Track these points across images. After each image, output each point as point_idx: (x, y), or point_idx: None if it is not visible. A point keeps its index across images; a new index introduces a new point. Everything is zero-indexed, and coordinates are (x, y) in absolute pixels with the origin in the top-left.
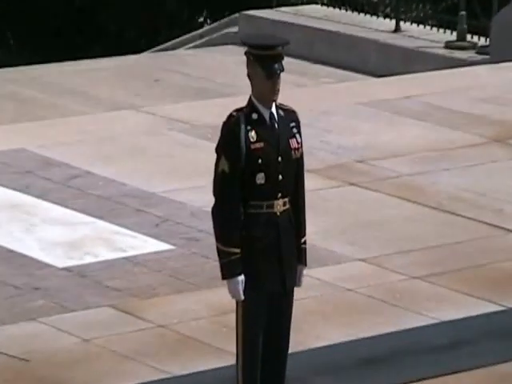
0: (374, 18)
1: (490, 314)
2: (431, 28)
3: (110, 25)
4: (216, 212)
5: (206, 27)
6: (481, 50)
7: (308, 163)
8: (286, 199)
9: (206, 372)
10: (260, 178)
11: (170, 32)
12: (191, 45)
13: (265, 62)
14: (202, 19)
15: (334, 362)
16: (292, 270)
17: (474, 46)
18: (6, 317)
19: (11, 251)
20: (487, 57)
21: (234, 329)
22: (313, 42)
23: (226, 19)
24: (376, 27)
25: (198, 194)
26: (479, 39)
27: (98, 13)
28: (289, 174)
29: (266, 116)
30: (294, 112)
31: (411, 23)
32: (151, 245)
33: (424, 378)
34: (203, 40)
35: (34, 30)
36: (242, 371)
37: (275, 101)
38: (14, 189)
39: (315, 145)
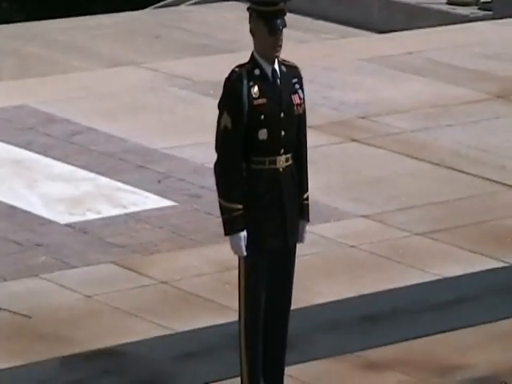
0: None
1: (492, 270)
2: None
3: None
4: (218, 168)
5: None
6: (483, 6)
7: (310, 119)
8: (289, 155)
9: (209, 328)
10: (262, 134)
11: None
12: (193, 1)
13: (267, 18)
14: None
15: (337, 318)
16: (295, 226)
17: (476, 2)
18: (8, 273)
19: (13, 207)
20: (490, 13)
21: (236, 285)
22: None
23: None
24: None
25: (200, 151)
26: None
27: None
28: (291, 130)
29: (269, 72)
30: (296, 68)
31: None
32: (153, 201)
33: (426, 335)
34: None
35: None
36: (244, 327)
37: (278, 57)
38: (16, 145)
39: (317, 101)
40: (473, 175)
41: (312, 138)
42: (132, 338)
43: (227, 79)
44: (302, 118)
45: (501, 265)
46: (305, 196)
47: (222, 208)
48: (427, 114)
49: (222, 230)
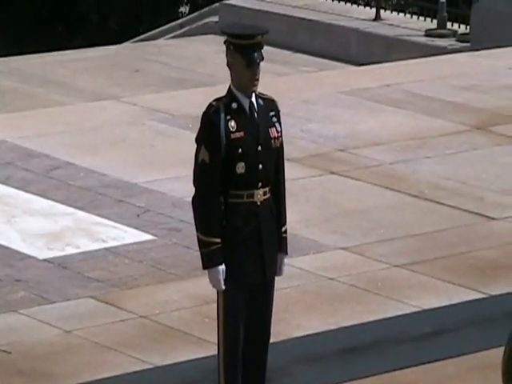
0: (355, 6)
1: (472, 301)
2: (411, 16)
3: (91, 14)
4: (196, 202)
5: (186, 17)
6: (461, 38)
7: (289, 152)
8: (267, 188)
9: (188, 362)
10: (240, 168)
11: (152, 21)
12: (171, 35)
13: (244, 51)
14: (183, 9)
15: (316, 351)
16: (273, 260)
17: (454, 34)
18: None
19: None
20: (468, 44)
21: (215, 319)
22: (293, 31)
23: (206, 9)
24: (356, 16)
25: (179, 184)
26: (459, 27)
27: (79, 1)
28: (269, 164)
29: (246, 105)
30: (273, 101)
31: (391, 11)
32: (132, 235)
33: (406, 367)
34: (183, 30)
35: (14, 19)
36: (223, 361)
37: (255, 90)
38: None
39: (296, 134)
40: (451, 207)
41: (291, 171)
42: (111, 373)
43: (204, 113)
44: (280, 151)
45: (480, 296)
46: (283, 229)
47: (200, 242)
48: (406, 146)
49: (200, 264)
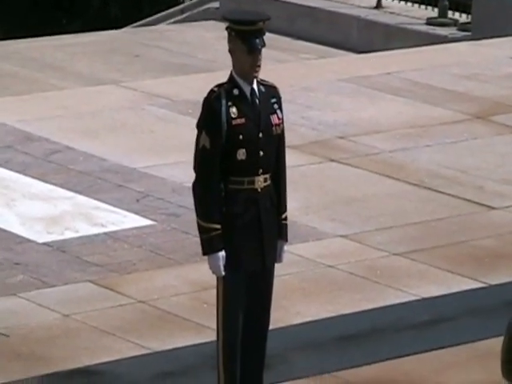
0: None
1: (470, 290)
2: (412, 4)
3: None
4: (196, 188)
5: (187, 2)
6: (462, 27)
7: (289, 139)
8: (267, 175)
9: (186, 348)
10: (241, 154)
11: (153, 7)
12: (172, 20)
13: (246, 37)
14: None
15: (315, 338)
16: (272, 246)
17: (455, 23)
18: None
19: None
20: (468, 33)
21: (214, 305)
22: (294, 18)
23: None
24: (357, 3)
25: (179, 170)
26: (460, 16)
27: None
28: (270, 150)
29: (247, 92)
30: (275, 88)
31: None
32: (131, 220)
33: (405, 355)
34: (184, 15)
35: (14, 4)
36: (222, 347)
37: (256, 76)
38: None
39: (296, 121)
40: (451, 196)
41: (291, 158)
42: (109, 358)
43: (206, 99)
44: (281, 138)
45: (479, 285)
46: (283, 216)
47: (200, 228)
48: (405, 135)
49: (200, 250)
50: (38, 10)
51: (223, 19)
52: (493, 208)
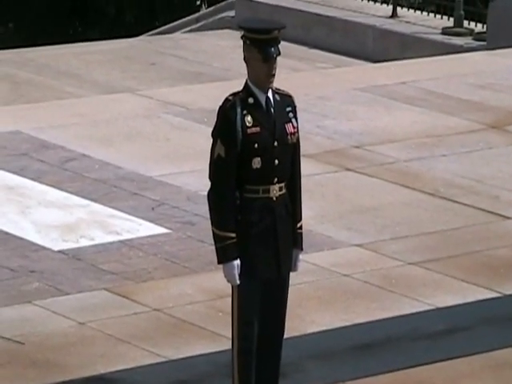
0: (371, 3)
1: (485, 300)
2: (428, 14)
3: (108, 7)
4: (212, 196)
5: (203, 11)
6: (477, 37)
7: (304, 148)
8: (283, 184)
9: (202, 356)
10: (256, 163)
11: (169, 15)
12: (187, 29)
13: (261, 46)
14: (199, 2)
15: (330, 347)
16: (287, 255)
17: (470, 33)
18: (1, 299)
19: (6, 233)
20: (484, 43)
21: (229, 313)
22: (310, 27)
23: (222, 3)
24: (373, 12)
25: (194, 178)
26: (476, 25)
27: None
28: (285, 159)
29: (262, 100)
30: (290, 96)
31: (408, 9)
32: (147, 228)
33: (419, 365)
34: (199, 24)
35: (30, 12)
36: (237, 356)
37: (271, 85)
38: (10, 171)
39: (311, 130)
40: (466, 205)
41: (306, 167)
42: (124, 366)
43: (221, 107)
44: (296, 146)
45: (494, 295)
46: (298, 225)
47: (215, 236)
48: (421, 144)
49: (215, 258)
50: (54, 18)
51: (238, 28)
52: (508, 218)
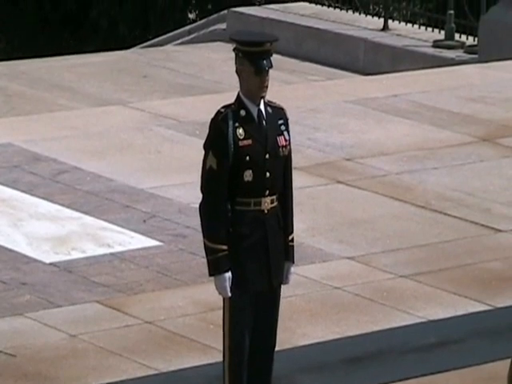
0: (363, 16)
1: (477, 313)
2: (419, 27)
3: (101, 20)
4: (203, 208)
5: (194, 24)
6: (469, 50)
7: (296, 161)
8: (274, 197)
9: (193, 368)
10: (248, 175)
11: (161, 28)
12: (179, 41)
13: (253, 59)
14: (192, 16)
15: (321, 360)
16: (279, 267)
17: (462, 45)
18: None
19: None
20: (475, 56)
21: (221, 326)
22: (301, 40)
23: (214, 16)
24: (364, 25)
25: (186, 191)
26: (467, 38)
27: (89, 7)
28: (276, 172)
29: (254, 113)
30: (282, 109)
31: (399, 22)
32: (138, 241)
33: (411, 377)
34: (191, 36)
35: (22, 24)
36: (228, 368)
37: (263, 97)
38: (1, 183)
39: (303, 142)
40: (458, 218)
41: (297, 180)
42: (116, 378)
43: (213, 120)
44: (288, 159)
45: (485, 308)
46: (290, 238)
47: (206, 248)
48: (412, 157)
49: (206, 270)
50: (47, 31)
51: (230, 40)
52: (499, 231)
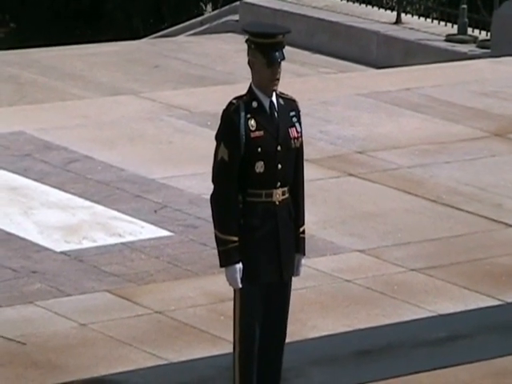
0: (375, 9)
1: (487, 308)
2: (432, 21)
3: (116, 12)
4: (215, 199)
5: (207, 15)
6: (481, 44)
7: (307, 153)
8: (286, 188)
9: (203, 359)
10: (259, 167)
11: (175, 19)
12: (191, 32)
13: (265, 50)
14: (207, 7)
15: (331, 352)
16: (290, 259)
17: (474, 40)
18: (3, 300)
19: (9, 234)
20: (488, 51)
21: (231, 317)
22: (313, 32)
23: (226, 7)
24: (377, 19)
25: (197, 181)
26: (480, 33)
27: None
28: (288, 163)
29: (266, 104)
30: (294, 101)
31: (412, 15)
32: (149, 231)
33: (420, 371)
34: (203, 27)
35: (36, 14)
36: (238, 359)
37: (275, 89)
38: (13, 171)
39: (314, 135)
40: (469, 213)
41: (309, 172)
42: (125, 368)
43: (225, 111)
44: (299, 151)
45: (495, 303)
46: (301, 229)
47: (217, 240)
48: (424, 151)
49: (217, 261)
50: (60, 22)
51: (243, 32)
52: (510, 225)
